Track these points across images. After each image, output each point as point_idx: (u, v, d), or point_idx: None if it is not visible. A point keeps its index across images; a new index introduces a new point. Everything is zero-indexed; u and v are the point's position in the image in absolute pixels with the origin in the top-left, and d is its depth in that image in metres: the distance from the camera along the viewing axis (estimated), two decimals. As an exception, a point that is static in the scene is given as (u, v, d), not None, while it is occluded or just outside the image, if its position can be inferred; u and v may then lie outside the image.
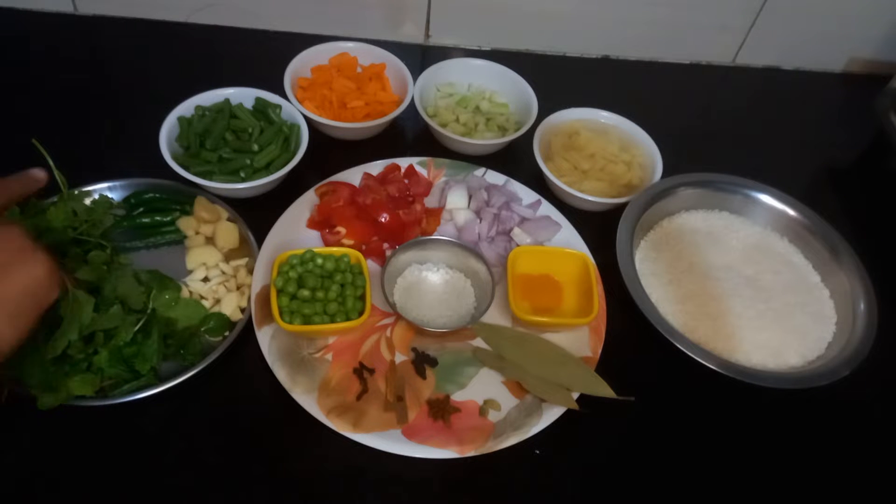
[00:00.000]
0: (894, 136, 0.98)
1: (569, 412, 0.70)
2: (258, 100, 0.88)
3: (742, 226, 0.88)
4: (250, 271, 0.76)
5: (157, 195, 0.80)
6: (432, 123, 0.90)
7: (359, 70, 0.97)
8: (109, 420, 0.66)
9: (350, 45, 0.97)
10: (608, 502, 0.69)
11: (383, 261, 0.80)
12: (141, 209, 0.79)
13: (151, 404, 0.66)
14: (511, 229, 0.84)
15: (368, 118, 0.91)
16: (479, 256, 0.79)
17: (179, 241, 0.79)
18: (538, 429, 0.69)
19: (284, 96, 0.88)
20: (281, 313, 0.71)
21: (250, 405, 0.70)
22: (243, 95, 0.88)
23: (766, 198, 0.89)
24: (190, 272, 0.76)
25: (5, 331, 0.51)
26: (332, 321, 0.72)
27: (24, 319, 0.53)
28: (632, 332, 0.78)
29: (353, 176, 0.86)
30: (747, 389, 0.72)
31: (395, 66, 0.96)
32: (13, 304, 0.52)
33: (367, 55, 0.97)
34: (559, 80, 1.06)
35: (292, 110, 0.87)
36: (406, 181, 0.86)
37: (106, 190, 0.79)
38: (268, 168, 0.83)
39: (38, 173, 0.65)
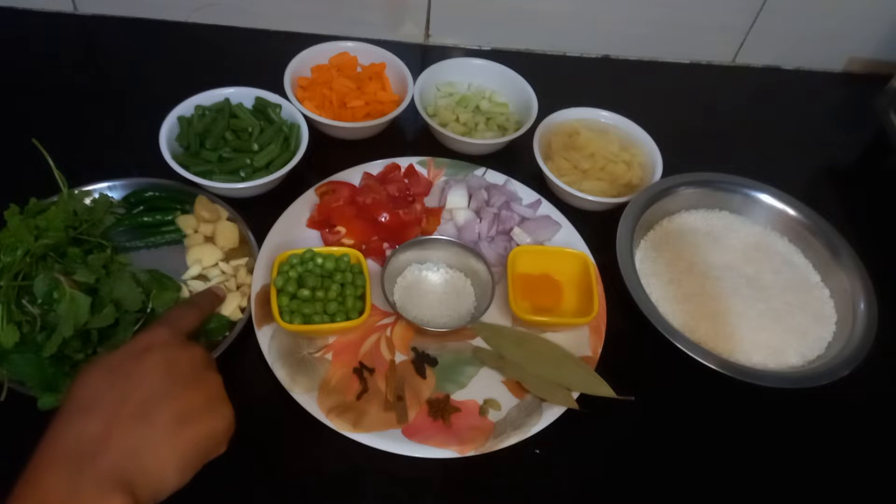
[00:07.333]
0: (894, 135, 0.98)
1: (569, 412, 0.70)
2: (258, 99, 0.88)
3: (742, 225, 0.88)
4: (250, 271, 0.76)
5: (158, 194, 0.80)
6: (432, 123, 0.90)
7: (359, 70, 0.97)
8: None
9: (350, 44, 0.97)
10: (608, 502, 0.69)
11: (383, 260, 0.80)
12: (141, 207, 0.79)
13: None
14: (511, 229, 0.84)
15: (368, 118, 0.91)
16: (479, 256, 0.79)
17: (179, 240, 0.78)
18: (538, 428, 0.69)
19: (284, 96, 0.88)
20: (281, 313, 0.71)
21: (250, 405, 0.70)
22: (243, 95, 0.88)
23: (766, 197, 0.89)
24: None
25: (170, 478, 0.51)
26: (332, 321, 0.72)
27: (189, 469, 0.52)
28: (632, 332, 0.78)
29: (353, 175, 0.86)
30: (747, 389, 0.72)
31: (395, 66, 0.96)
32: (188, 454, 0.52)
33: (367, 55, 0.97)
34: (559, 80, 1.06)
35: (292, 110, 0.87)
36: (406, 181, 0.86)
37: (106, 189, 0.79)
38: (268, 168, 0.83)
39: (220, 290, 0.72)
